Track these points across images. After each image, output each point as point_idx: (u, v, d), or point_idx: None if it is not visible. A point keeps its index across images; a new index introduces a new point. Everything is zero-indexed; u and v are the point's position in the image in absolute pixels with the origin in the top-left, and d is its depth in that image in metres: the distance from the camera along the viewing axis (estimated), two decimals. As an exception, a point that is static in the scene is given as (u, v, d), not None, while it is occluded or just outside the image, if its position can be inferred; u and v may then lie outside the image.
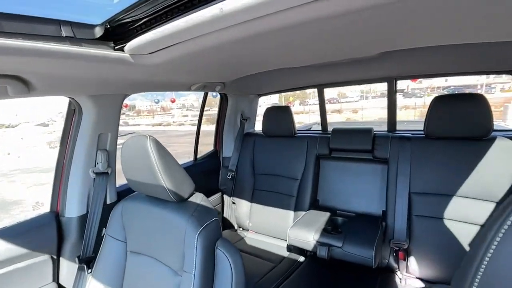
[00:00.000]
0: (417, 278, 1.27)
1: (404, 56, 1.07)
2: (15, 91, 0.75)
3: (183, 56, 0.75)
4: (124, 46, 0.72)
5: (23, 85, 0.75)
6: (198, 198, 0.90)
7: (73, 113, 1.06)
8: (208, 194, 1.49)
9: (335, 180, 1.59)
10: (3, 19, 0.53)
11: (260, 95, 2.02)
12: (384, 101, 1.62)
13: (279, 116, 1.73)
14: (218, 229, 0.83)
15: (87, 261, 1.06)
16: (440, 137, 1.26)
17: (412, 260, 1.25)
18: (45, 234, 1.05)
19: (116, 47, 0.73)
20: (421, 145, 1.31)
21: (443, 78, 6.88)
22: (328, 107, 1.74)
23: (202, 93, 1.77)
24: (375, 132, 1.50)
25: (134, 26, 0.65)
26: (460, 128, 1.18)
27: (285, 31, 0.59)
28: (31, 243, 1.00)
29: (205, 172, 1.87)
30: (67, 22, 0.61)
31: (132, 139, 0.84)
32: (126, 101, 1.21)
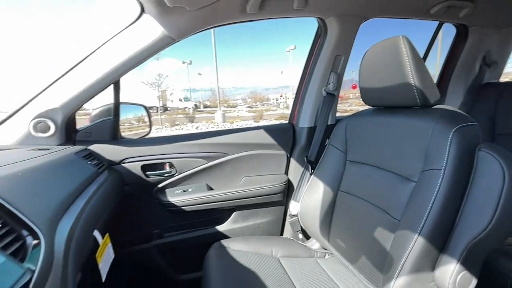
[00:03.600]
0: None
1: None
2: (298, 3, 0.98)
3: None
4: None
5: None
6: (447, 107, 0.79)
7: (319, 37, 1.26)
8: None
9: None
10: None
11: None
12: None
13: None
14: (479, 136, 0.69)
15: (311, 162, 1.27)
16: None
17: None
18: (284, 137, 1.36)
19: None
20: None
21: None
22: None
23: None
24: None
25: None
26: None
27: None
28: (275, 139, 1.33)
29: None
30: None
31: (381, 42, 0.85)
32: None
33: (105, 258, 0.78)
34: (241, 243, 1.06)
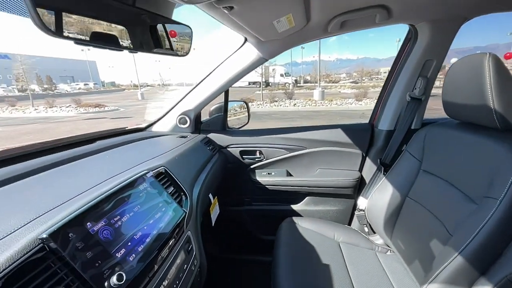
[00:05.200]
0: None
1: None
2: (380, 18, 1.03)
3: None
4: None
5: (386, 13, 1.01)
6: None
7: (408, 42, 1.23)
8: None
9: None
10: None
11: None
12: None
13: None
14: None
15: (385, 165, 1.33)
16: None
17: None
18: (361, 136, 1.45)
19: None
20: None
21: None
22: None
23: None
24: None
25: None
26: None
27: None
28: (351, 139, 1.44)
29: None
30: None
31: (467, 57, 0.82)
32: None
33: (214, 212, 1.22)
34: (309, 223, 1.31)
